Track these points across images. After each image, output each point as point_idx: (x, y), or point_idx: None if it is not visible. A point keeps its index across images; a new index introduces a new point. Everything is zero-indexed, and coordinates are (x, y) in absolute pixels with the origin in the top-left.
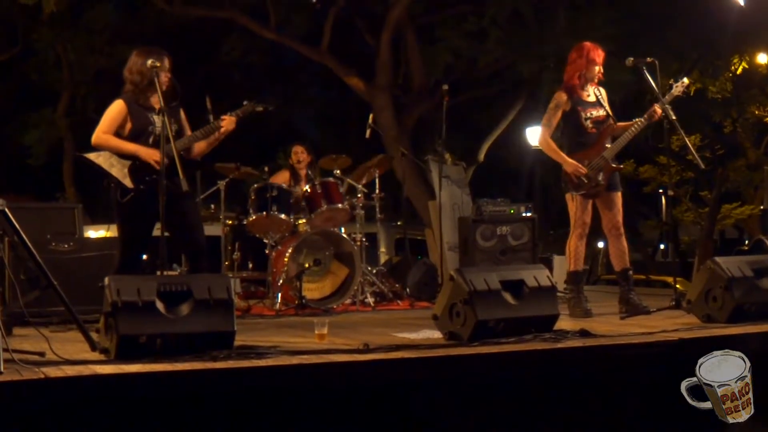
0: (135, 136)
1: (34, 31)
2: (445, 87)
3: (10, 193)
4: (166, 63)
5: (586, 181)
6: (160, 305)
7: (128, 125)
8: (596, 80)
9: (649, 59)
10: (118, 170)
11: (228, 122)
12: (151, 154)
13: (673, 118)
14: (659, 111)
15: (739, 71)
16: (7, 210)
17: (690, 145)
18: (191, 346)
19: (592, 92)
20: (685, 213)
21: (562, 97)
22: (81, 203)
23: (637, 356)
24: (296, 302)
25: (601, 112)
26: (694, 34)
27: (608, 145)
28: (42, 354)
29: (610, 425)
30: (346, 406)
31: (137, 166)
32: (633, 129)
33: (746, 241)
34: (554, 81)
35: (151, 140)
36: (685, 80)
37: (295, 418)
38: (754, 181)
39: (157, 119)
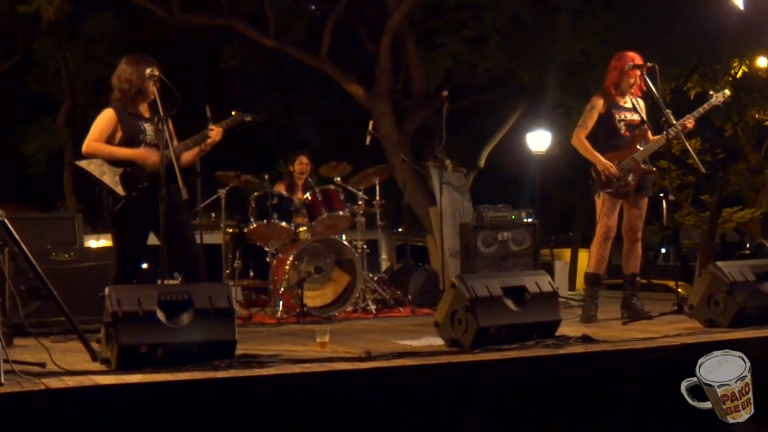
0: (126, 145)
1: (34, 41)
2: (445, 93)
3: (10, 203)
4: (150, 72)
5: (614, 180)
6: (160, 315)
7: (119, 133)
8: (634, 91)
9: (649, 64)
10: (110, 178)
11: (215, 133)
12: (147, 156)
13: (674, 122)
14: (691, 123)
15: (739, 75)
16: (6, 221)
17: (691, 149)
18: (192, 356)
19: (630, 100)
20: (686, 217)
21: (598, 100)
22: (81, 212)
23: (640, 361)
24: (297, 310)
25: (636, 117)
26: (694, 39)
27: (640, 148)
28: (43, 365)
29: (614, 430)
30: (348, 415)
31: (129, 174)
32: (662, 138)
33: (747, 245)
34: (556, 86)
35: (142, 148)
36: (726, 92)
37: (298, 428)
38: (755, 185)
39: (147, 127)
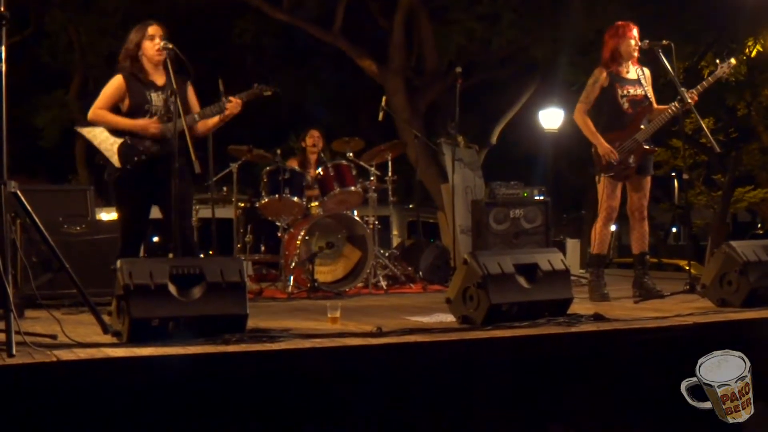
0: (132, 113)
1: (46, 13)
2: (458, 69)
3: (22, 175)
4: (150, 30)
5: (615, 164)
6: (172, 288)
7: (126, 101)
8: (636, 57)
9: (664, 42)
10: (108, 147)
11: (234, 104)
12: (146, 125)
13: (689, 100)
14: (694, 98)
15: (753, 54)
16: (19, 192)
17: (705, 129)
18: (203, 330)
19: (633, 70)
20: (698, 196)
21: (601, 73)
22: (93, 185)
23: (652, 340)
24: (308, 285)
25: (639, 91)
26: (708, 17)
27: (643, 127)
28: (54, 337)
29: (625, 409)
30: (359, 390)
31: (127, 145)
32: (668, 113)
33: (759, 225)
34: (569, 64)
35: (144, 119)
36: (732, 61)
37: (309, 402)
38: None
39: (155, 96)
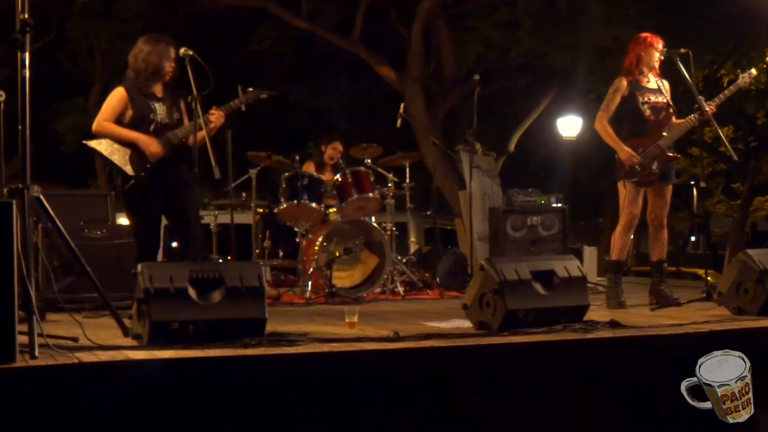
0: (135, 124)
1: (68, 20)
2: (477, 77)
3: (42, 180)
4: (172, 52)
5: (639, 169)
6: (192, 292)
7: (129, 112)
8: (657, 68)
9: (683, 50)
10: (119, 157)
11: (217, 117)
12: (149, 144)
13: (707, 109)
14: (713, 109)
15: None
16: (41, 197)
17: (723, 137)
18: (223, 333)
19: (654, 81)
20: (716, 205)
21: (622, 82)
22: (113, 190)
23: (667, 348)
24: (326, 291)
25: (661, 99)
26: (728, 26)
27: (665, 134)
28: (75, 339)
29: (640, 415)
30: (376, 394)
31: (138, 153)
32: (689, 122)
33: None
34: (588, 72)
35: (151, 128)
36: (753, 71)
37: (326, 406)
38: None
39: (158, 107)
